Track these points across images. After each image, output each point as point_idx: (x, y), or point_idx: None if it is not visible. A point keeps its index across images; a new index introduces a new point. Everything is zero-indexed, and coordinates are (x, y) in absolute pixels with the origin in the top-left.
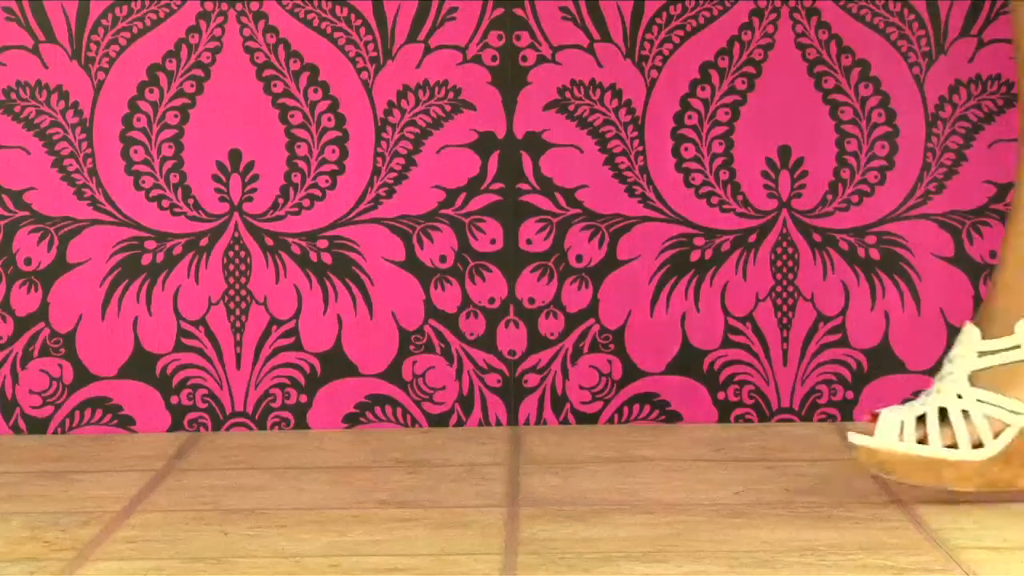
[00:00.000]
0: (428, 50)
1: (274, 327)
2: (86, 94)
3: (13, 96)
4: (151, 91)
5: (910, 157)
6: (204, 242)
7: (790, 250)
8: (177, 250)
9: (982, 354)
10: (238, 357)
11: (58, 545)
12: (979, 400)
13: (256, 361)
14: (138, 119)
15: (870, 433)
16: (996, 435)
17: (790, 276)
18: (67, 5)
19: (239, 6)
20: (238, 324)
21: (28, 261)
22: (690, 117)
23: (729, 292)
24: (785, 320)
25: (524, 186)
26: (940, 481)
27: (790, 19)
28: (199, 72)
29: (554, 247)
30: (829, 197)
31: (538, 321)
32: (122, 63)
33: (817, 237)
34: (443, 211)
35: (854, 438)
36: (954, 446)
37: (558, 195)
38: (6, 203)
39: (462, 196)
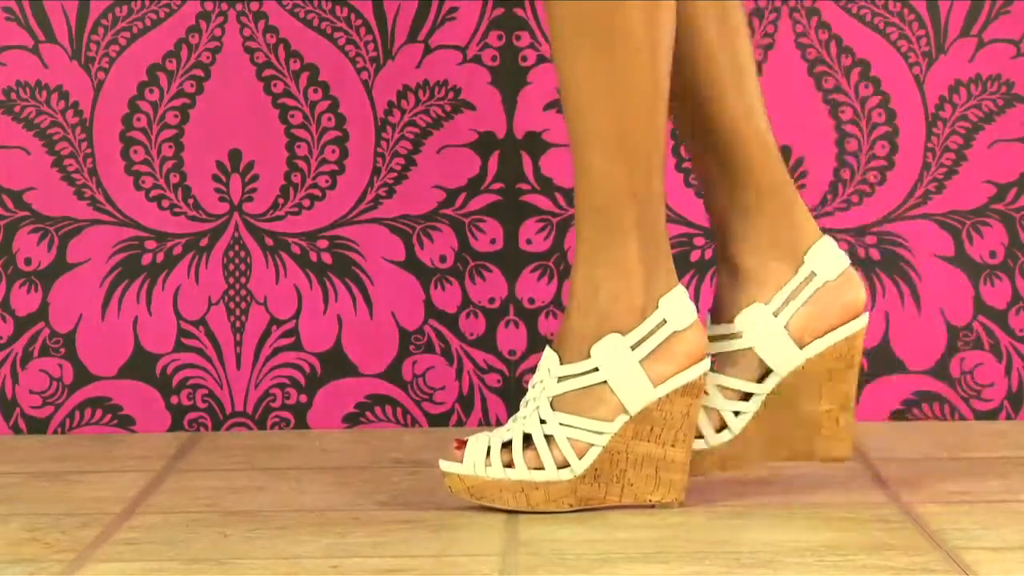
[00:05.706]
0: (428, 50)
1: (274, 327)
2: (86, 94)
3: (13, 96)
4: (151, 91)
5: (910, 157)
6: (204, 242)
7: None
8: (177, 250)
9: (561, 379)
10: (238, 357)
11: (58, 547)
12: (561, 424)
13: (256, 361)
14: (138, 119)
15: (460, 460)
16: (581, 455)
17: None
18: (67, 5)
19: (239, 6)
20: (238, 324)
21: (28, 261)
22: None
23: None
24: None
25: (524, 186)
26: (530, 503)
27: (790, 19)
28: (199, 72)
29: (554, 247)
30: (829, 197)
31: (538, 321)
32: (122, 63)
33: None
34: (443, 211)
35: (444, 466)
36: (540, 468)
37: (558, 195)
38: (6, 203)
39: (462, 196)
